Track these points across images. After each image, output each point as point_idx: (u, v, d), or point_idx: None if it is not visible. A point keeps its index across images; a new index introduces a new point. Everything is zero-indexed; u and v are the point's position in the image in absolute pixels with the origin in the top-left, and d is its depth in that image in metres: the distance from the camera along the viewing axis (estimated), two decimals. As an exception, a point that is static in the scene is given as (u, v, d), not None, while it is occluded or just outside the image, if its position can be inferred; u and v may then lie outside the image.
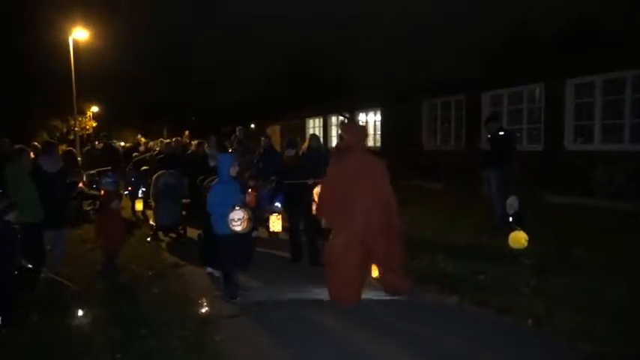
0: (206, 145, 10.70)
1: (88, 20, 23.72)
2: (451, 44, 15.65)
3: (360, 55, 21.25)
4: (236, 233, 5.73)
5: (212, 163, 9.70)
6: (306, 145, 8.15)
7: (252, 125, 40.05)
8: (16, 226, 5.41)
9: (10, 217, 5.29)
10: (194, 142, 13.35)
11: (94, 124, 36.86)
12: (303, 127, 28.34)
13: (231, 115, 44.26)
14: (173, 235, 9.45)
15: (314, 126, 28.05)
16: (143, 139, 18.91)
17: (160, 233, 9.42)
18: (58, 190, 6.86)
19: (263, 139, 11.13)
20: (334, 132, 25.48)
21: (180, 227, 9.45)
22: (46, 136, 31.04)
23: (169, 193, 9.24)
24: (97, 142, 16.66)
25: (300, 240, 7.57)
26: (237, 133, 12.25)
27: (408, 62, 17.21)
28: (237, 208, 5.70)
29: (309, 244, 7.37)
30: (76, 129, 27.44)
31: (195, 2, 36.87)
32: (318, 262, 6.81)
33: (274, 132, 32.18)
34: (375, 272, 6.02)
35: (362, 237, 5.52)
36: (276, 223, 8.82)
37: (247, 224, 5.74)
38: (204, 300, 5.76)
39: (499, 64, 14.64)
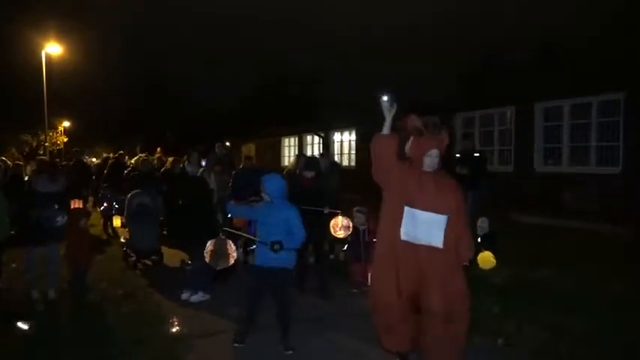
0: (186, 162, 10.26)
1: (62, 35, 23.48)
2: (426, 66, 15.97)
3: (336, 74, 21.47)
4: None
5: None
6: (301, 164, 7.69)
7: (227, 143, 39.96)
8: None
9: None
10: (169, 159, 13.14)
11: (65, 140, 36.27)
12: (278, 146, 28.42)
13: (205, 133, 44.07)
14: (148, 262, 8.53)
15: (289, 145, 28.15)
16: (111, 155, 18.64)
17: (131, 259, 8.51)
18: (50, 211, 6.32)
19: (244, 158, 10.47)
20: (309, 151, 25.61)
21: (157, 251, 8.63)
22: (14, 151, 30.43)
23: (144, 214, 8.46)
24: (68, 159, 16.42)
25: (308, 269, 6.94)
26: (216, 150, 11.61)
27: (383, 82, 17.45)
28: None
29: (319, 277, 6.75)
30: (47, 144, 26.94)
31: (171, 20, 36.90)
32: (327, 297, 6.50)
33: (249, 150, 32.15)
34: None
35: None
36: None
37: (209, 256, 5.11)
38: (175, 319, 5.68)
39: (472, 87, 14.97)
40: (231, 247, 5.19)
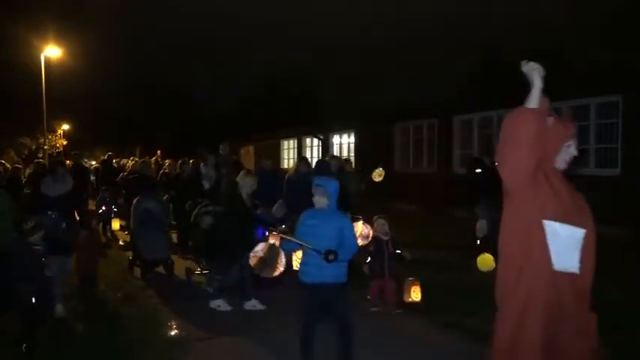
0: (201, 165, 9.49)
1: (61, 37, 23.49)
2: (425, 68, 15.99)
3: (335, 76, 21.49)
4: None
5: (207, 185, 9.05)
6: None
7: (220, 146, 39.86)
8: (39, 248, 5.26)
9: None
10: (166, 162, 13.14)
11: (65, 143, 36.28)
12: (277, 148, 28.43)
13: (203, 135, 44.05)
14: (163, 272, 7.94)
15: (288, 147, 28.18)
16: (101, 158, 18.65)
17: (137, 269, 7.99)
18: (62, 215, 6.04)
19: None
20: (309, 153, 25.63)
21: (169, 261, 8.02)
22: (13, 154, 30.42)
23: (152, 220, 7.79)
24: (67, 161, 16.40)
25: None
26: (221, 151, 11.11)
27: (382, 84, 17.49)
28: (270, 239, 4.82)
29: None
30: (46, 147, 26.95)
31: (170, 22, 36.95)
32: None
33: (248, 152, 32.19)
34: None
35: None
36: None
37: (256, 263, 4.76)
38: (173, 322, 5.69)
39: (471, 90, 15.00)
40: (282, 259, 5.01)
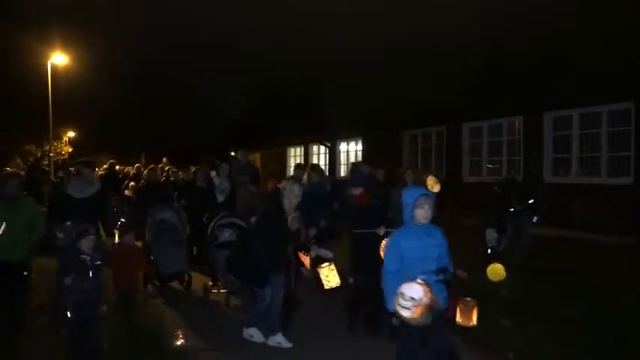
0: (213, 174, 8.74)
1: (68, 45, 23.70)
2: (432, 75, 15.98)
3: (342, 83, 21.51)
4: (402, 320, 3.54)
5: (221, 198, 8.36)
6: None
7: (232, 153, 40.06)
8: (87, 257, 4.73)
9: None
10: (171, 170, 13.00)
11: (70, 150, 36.49)
12: (284, 156, 28.47)
13: (209, 143, 44.18)
14: (179, 287, 7.60)
15: (295, 155, 28.20)
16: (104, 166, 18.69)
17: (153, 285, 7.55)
18: (89, 219, 5.46)
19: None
20: (315, 161, 25.64)
21: (186, 274, 7.61)
22: (19, 161, 30.64)
23: (168, 231, 7.40)
24: (72, 169, 16.45)
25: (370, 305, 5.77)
26: (240, 157, 10.29)
27: (389, 92, 17.49)
28: (418, 280, 3.46)
29: (370, 310, 5.73)
30: (51, 154, 27.12)
31: (174, 29, 37.21)
32: (381, 333, 5.41)
33: (254, 160, 32.24)
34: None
35: None
36: (331, 276, 6.15)
37: (423, 312, 3.43)
38: (179, 332, 5.69)
39: (479, 96, 14.97)
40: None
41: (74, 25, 29.14)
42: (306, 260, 5.84)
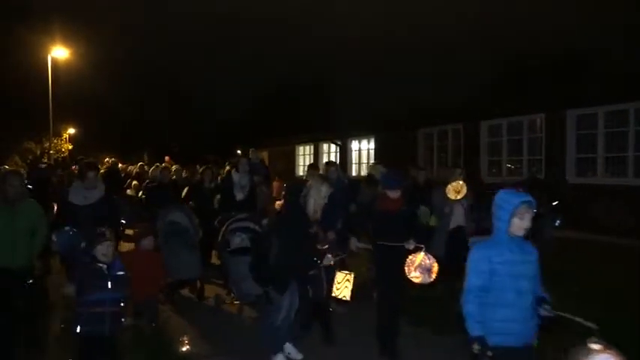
0: (233, 171, 8.38)
1: (69, 38, 23.87)
2: (449, 70, 15.91)
3: (353, 78, 21.48)
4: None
5: (240, 196, 8.01)
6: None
7: (239, 152, 40.14)
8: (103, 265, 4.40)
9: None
10: (174, 167, 12.95)
11: (70, 147, 36.75)
12: (292, 154, 28.48)
13: (213, 141, 44.33)
14: (191, 295, 7.45)
15: (304, 153, 28.20)
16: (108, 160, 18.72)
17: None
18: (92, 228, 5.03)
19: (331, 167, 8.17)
20: (325, 160, 25.63)
21: (199, 283, 7.46)
22: (17, 159, 30.88)
23: (178, 234, 7.15)
24: (73, 167, 16.54)
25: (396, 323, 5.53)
26: (251, 156, 10.17)
27: (404, 88, 17.43)
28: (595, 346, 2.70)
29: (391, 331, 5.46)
30: (51, 152, 27.31)
31: (179, 24, 37.36)
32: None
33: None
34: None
35: None
36: (343, 287, 5.75)
37: None
38: (185, 339, 5.69)
39: (499, 93, 14.88)
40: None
41: (75, 19, 29.36)
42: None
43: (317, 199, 5.22)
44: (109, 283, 4.31)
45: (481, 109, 15.77)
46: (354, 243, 5.78)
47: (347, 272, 5.79)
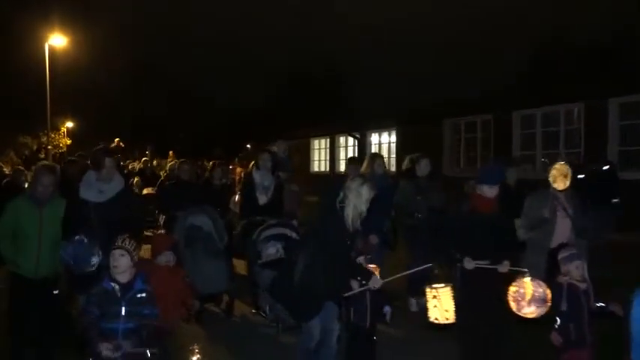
0: (254, 168, 7.60)
1: (67, 26, 24.02)
2: (478, 56, 15.77)
3: (373, 67, 21.39)
4: None
5: (264, 199, 7.21)
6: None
7: (248, 146, 40.26)
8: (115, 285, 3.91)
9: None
10: (175, 161, 12.88)
11: (69, 142, 37.11)
12: (307, 148, 28.45)
13: (219, 135, 44.49)
14: (215, 310, 7.03)
15: (319, 147, 28.18)
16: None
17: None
18: (110, 231, 4.48)
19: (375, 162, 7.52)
20: (342, 154, 25.58)
21: (227, 297, 7.00)
22: (12, 155, 31.26)
23: (203, 241, 6.60)
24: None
25: None
26: (277, 149, 9.26)
27: (428, 75, 17.32)
28: None
29: None
30: (49, 147, 27.59)
31: (184, 9, 37.42)
32: None
33: (273, 153, 32.29)
34: None
35: None
36: (442, 306, 4.84)
37: None
38: (195, 347, 5.69)
39: (533, 80, 14.70)
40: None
41: (74, 4, 29.56)
42: (376, 272, 4.81)
43: (357, 204, 4.53)
44: (123, 309, 3.74)
45: (513, 97, 15.60)
46: (469, 262, 4.78)
47: (443, 285, 4.88)
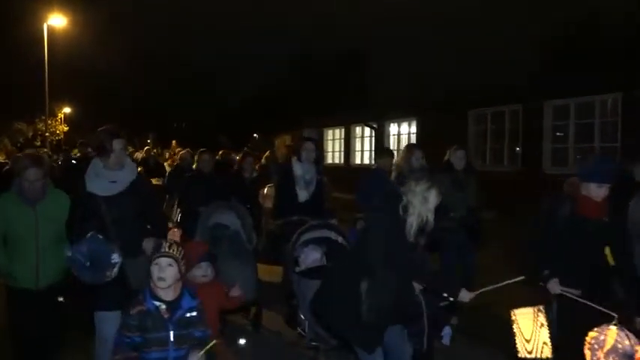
0: (294, 159, 6.75)
1: (66, 7, 24.10)
2: (506, 42, 15.69)
3: (392, 53, 21.32)
4: None
5: (304, 195, 6.50)
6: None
7: (255, 135, 40.35)
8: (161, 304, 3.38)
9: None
10: (180, 153, 12.75)
11: (66, 129, 37.33)
12: (320, 139, 28.46)
13: (227, 123, 44.63)
14: (246, 320, 6.52)
15: (333, 138, 28.19)
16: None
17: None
18: (126, 233, 4.22)
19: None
20: (358, 145, 25.58)
21: (255, 305, 6.37)
22: (7, 142, 31.45)
23: (227, 242, 5.96)
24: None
25: None
26: (306, 135, 8.88)
27: (452, 61, 17.26)
28: None
29: None
30: (46, 134, 27.76)
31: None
32: None
33: (283, 143, 32.33)
34: None
35: None
36: (523, 330, 3.95)
37: None
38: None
39: (566, 68, 14.62)
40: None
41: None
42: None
43: (423, 213, 3.85)
44: (171, 334, 3.19)
45: (545, 87, 15.52)
46: (555, 286, 4.01)
47: (517, 310, 4.01)
